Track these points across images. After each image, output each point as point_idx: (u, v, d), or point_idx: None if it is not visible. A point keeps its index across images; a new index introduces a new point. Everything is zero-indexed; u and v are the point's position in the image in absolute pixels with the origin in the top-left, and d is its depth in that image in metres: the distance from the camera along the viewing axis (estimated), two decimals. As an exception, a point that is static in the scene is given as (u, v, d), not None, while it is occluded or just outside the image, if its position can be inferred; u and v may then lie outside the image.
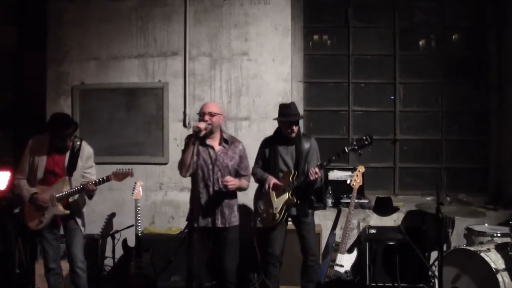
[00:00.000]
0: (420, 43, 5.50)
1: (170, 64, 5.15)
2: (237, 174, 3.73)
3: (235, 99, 5.11)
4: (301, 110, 5.25)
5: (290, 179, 3.88)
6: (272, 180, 3.91)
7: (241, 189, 3.74)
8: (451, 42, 5.46)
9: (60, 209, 3.76)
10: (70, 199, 3.80)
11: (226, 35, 5.11)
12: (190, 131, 3.66)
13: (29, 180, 3.83)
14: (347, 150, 3.77)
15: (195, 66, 5.14)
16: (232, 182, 3.56)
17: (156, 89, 5.14)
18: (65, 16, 5.22)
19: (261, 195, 4.02)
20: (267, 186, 3.91)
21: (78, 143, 3.83)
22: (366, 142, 3.75)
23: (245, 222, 4.55)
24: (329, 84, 5.45)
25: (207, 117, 3.55)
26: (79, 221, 3.88)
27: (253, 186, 4.14)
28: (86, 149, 3.89)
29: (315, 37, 5.51)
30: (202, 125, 3.45)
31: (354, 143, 3.79)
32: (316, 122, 5.47)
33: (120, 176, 3.79)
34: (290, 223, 4.08)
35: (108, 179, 3.76)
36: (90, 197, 3.88)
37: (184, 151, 3.53)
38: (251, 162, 4.20)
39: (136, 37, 5.18)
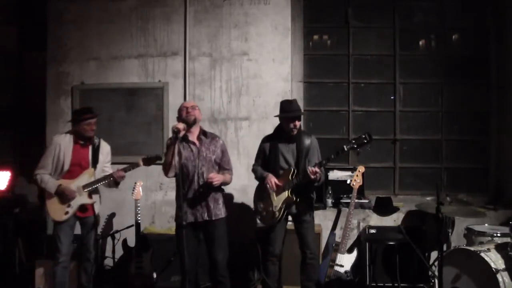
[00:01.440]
0: (420, 43, 5.49)
1: (170, 64, 5.16)
2: (220, 168, 3.83)
3: (235, 99, 5.11)
4: (301, 110, 5.27)
5: (290, 177, 3.87)
6: (273, 179, 3.91)
7: (225, 183, 3.83)
8: (451, 42, 5.46)
9: (86, 198, 3.98)
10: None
11: (226, 35, 5.11)
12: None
13: (53, 175, 4.00)
14: (346, 149, 3.74)
15: (195, 66, 5.14)
16: (217, 178, 3.66)
17: (156, 89, 5.15)
18: (65, 16, 5.21)
19: (261, 193, 4.02)
20: (269, 185, 3.89)
21: (97, 141, 4.14)
22: (365, 141, 3.71)
23: (245, 222, 4.58)
24: (329, 84, 5.45)
25: (190, 110, 3.70)
26: (97, 211, 4.09)
27: (253, 184, 4.17)
28: (105, 146, 4.22)
29: (315, 37, 5.51)
30: (181, 125, 3.56)
31: (353, 141, 3.76)
32: (316, 122, 5.46)
33: (149, 161, 4.02)
34: (290, 222, 4.08)
35: (137, 165, 4.00)
36: (117, 185, 4.08)
37: (166, 154, 3.65)
38: (251, 161, 4.21)
39: (136, 37, 5.18)
